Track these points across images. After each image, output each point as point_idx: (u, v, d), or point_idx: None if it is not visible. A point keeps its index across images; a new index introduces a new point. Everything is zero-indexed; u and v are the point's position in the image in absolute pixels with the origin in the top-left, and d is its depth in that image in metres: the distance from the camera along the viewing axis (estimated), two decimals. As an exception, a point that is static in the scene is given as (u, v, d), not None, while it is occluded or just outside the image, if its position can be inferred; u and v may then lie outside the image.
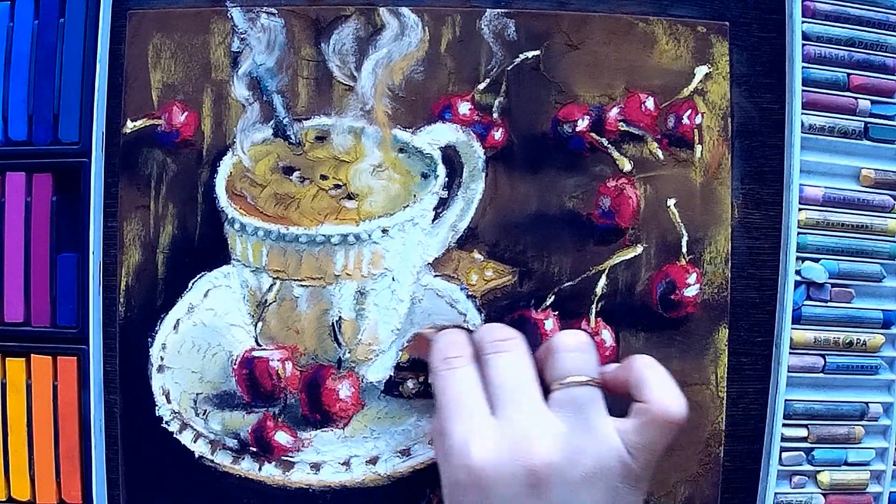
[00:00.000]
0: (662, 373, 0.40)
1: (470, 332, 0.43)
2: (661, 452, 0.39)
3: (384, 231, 0.46)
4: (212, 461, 0.47)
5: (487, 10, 0.47)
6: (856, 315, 0.49)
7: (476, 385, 0.39)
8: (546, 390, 0.39)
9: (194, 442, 0.47)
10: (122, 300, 0.47)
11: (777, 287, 0.48)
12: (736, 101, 0.48)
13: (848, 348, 0.48)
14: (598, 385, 0.39)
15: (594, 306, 0.47)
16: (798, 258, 0.48)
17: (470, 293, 0.47)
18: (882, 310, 0.49)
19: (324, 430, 0.47)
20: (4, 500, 0.47)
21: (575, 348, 0.39)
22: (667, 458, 0.47)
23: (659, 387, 0.39)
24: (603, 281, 0.47)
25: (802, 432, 0.48)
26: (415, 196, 0.47)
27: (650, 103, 0.47)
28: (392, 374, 0.47)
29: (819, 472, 0.48)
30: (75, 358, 0.47)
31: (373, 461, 0.47)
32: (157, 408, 0.47)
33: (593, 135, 0.47)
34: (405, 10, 0.47)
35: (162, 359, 0.47)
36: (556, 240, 0.47)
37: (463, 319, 0.47)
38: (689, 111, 0.47)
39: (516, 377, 0.38)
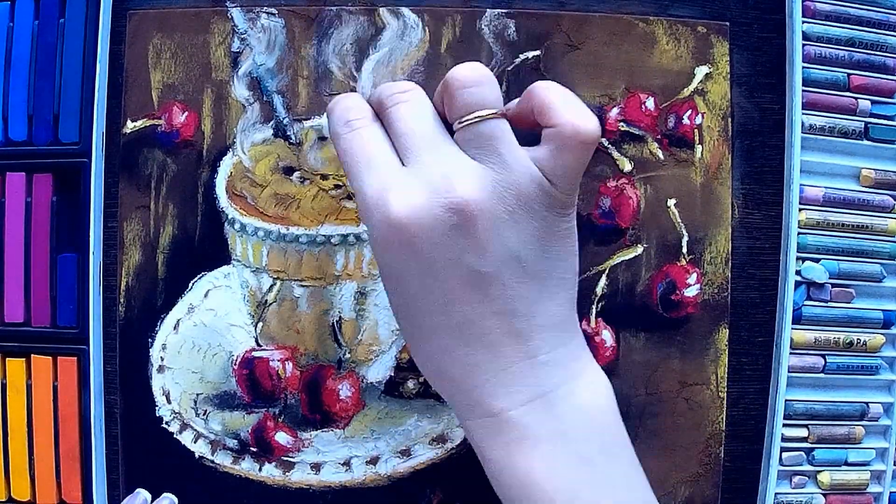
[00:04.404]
0: (565, 93, 0.37)
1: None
2: (580, 174, 0.37)
3: (384, 231, 0.46)
4: (212, 461, 0.47)
5: (487, 10, 0.47)
6: (856, 315, 0.48)
7: (383, 140, 0.37)
8: (452, 133, 0.37)
9: (194, 442, 0.47)
10: (122, 300, 0.47)
11: (777, 287, 0.48)
12: (736, 101, 0.48)
13: (848, 348, 0.48)
14: (502, 117, 0.37)
15: (594, 306, 0.47)
16: (798, 258, 0.48)
17: (470, 293, 0.47)
18: (882, 310, 0.49)
19: (324, 430, 0.47)
20: (4, 500, 0.47)
21: (473, 83, 0.36)
22: (667, 457, 0.47)
23: (565, 107, 0.36)
24: (603, 281, 0.47)
25: (803, 432, 0.48)
26: (415, 196, 0.47)
27: (650, 103, 0.47)
28: (392, 374, 0.47)
29: (819, 472, 0.48)
30: (75, 358, 0.47)
31: (373, 461, 0.47)
32: (157, 408, 0.47)
33: (593, 135, 0.47)
34: (405, 10, 0.47)
35: (162, 359, 0.47)
36: (556, 240, 0.47)
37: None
38: (690, 111, 0.47)
39: (421, 123, 0.36)
